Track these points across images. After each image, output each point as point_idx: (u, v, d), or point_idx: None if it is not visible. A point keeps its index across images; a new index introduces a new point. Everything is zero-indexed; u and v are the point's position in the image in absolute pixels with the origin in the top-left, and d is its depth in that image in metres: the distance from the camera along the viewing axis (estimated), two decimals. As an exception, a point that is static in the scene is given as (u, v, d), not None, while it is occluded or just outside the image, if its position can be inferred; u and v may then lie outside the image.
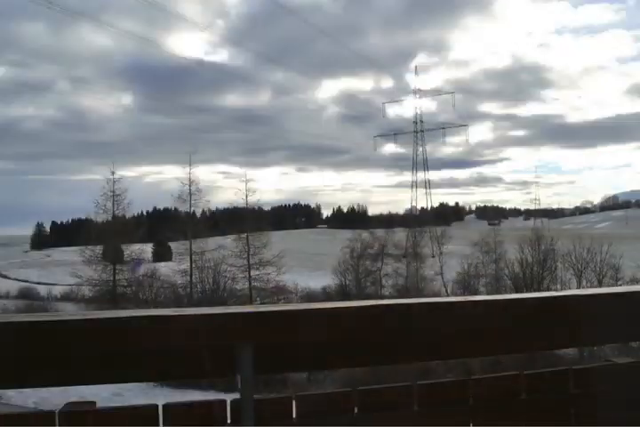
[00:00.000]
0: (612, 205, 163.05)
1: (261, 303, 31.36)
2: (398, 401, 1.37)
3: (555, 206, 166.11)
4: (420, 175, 79.96)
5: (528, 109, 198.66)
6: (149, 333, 1.21)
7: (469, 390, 1.43)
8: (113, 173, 36.90)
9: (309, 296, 37.14)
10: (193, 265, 37.24)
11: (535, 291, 31.62)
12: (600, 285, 31.74)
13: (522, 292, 31.72)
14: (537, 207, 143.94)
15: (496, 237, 44.49)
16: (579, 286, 32.39)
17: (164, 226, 44.89)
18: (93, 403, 1.23)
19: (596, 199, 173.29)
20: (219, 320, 1.26)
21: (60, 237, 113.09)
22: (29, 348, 1.15)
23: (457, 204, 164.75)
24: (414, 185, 78.64)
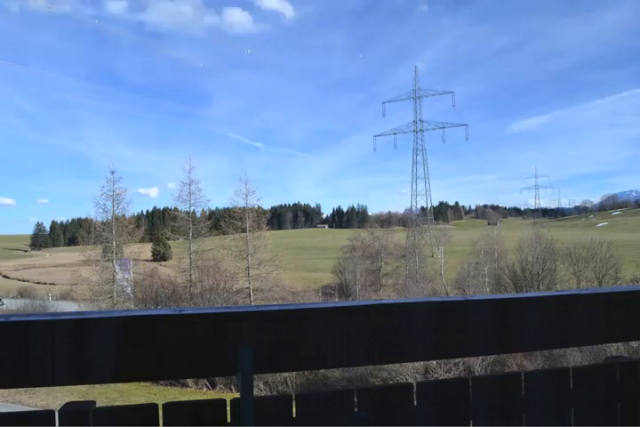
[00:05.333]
0: (611, 204, 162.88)
1: (261, 302, 31.35)
2: (398, 400, 1.37)
3: (554, 206, 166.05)
4: (420, 174, 79.93)
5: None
6: (149, 332, 1.21)
7: (469, 390, 1.43)
8: (113, 172, 36.89)
9: (309, 295, 37.13)
10: (193, 264, 37.23)
11: (535, 290, 31.63)
12: (600, 284, 31.75)
13: (522, 291, 31.72)
14: (537, 207, 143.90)
15: (496, 236, 44.53)
16: (578, 286, 32.40)
17: (164, 226, 44.88)
18: (93, 402, 1.22)
19: (596, 199, 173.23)
20: (219, 320, 1.26)
21: (59, 237, 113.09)
22: (30, 348, 1.15)
23: (457, 203, 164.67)
24: (414, 184, 78.56)
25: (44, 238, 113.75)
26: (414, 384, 1.41)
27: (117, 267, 36.19)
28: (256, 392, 1.21)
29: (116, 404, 1.25)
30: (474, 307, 1.46)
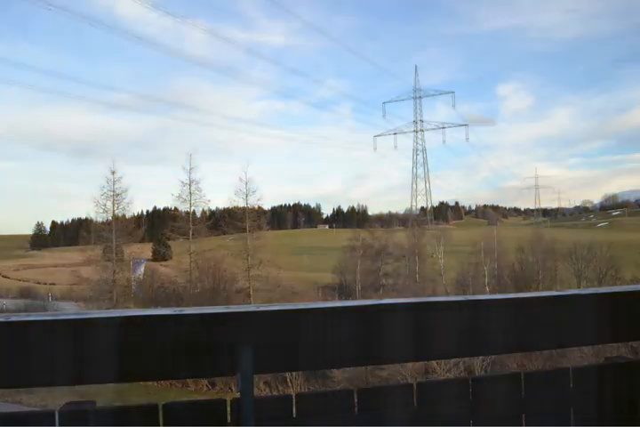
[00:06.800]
0: (611, 204, 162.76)
1: (261, 302, 31.23)
2: (398, 401, 1.37)
3: (554, 206, 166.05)
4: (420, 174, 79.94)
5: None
6: (149, 332, 1.21)
7: (469, 390, 1.43)
8: (113, 172, 36.89)
9: (309, 295, 37.12)
10: (193, 265, 37.23)
11: (535, 290, 31.62)
12: (600, 284, 31.72)
13: (521, 291, 31.69)
14: (537, 207, 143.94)
15: (496, 236, 44.53)
16: (578, 286, 32.38)
17: (164, 226, 44.87)
18: (93, 402, 1.22)
19: (596, 199, 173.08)
20: (219, 320, 1.26)
21: (60, 237, 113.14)
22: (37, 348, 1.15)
23: (457, 203, 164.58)
24: (414, 184, 78.58)
25: (43, 238, 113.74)
26: (414, 384, 1.41)
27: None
28: (256, 392, 1.21)
29: (115, 404, 1.25)
30: (486, 307, 1.46)
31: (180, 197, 39.30)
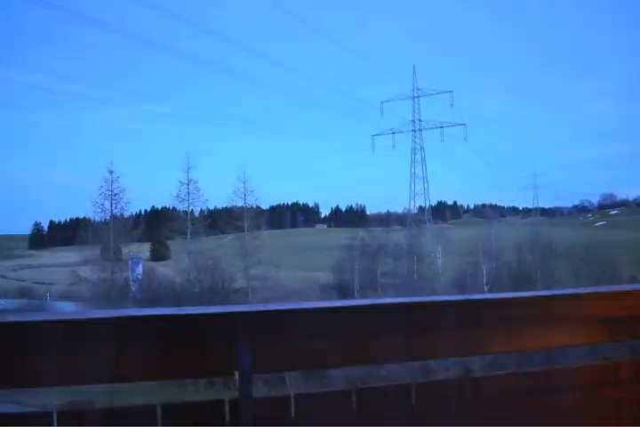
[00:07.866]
0: (609, 203, 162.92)
1: (259, 302, 31.29)
2: (397, 400, 1.37)
3: (552, 205, 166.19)
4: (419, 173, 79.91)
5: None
6: (148, 332, 1.21)
7: (468, 389, 1.43)
8: (111, 171, 36.87)
9: (307, 294, 37.09)
10: (191, 264, 37.23)
11: (533, 289, 31.66)
12: (598, 283, 31.78)
13: (520, 290, 31.73)
14: (535, 206, 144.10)
15: (494, 235, 44.61)
16: (576, 285, 32.43)
17: (163, 225, 44.84)
18: (91, 402, 1.22)
19: (594, 198, 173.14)
20: (217, 319, 1.26)
21: (57, 237, 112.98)
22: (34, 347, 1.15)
23: (455, 202, 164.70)
24: (412, 183, 78.57)
25: (41, 238, 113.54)
26: (413, 384, 1.41)
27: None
28: (255, 392, 1.21)
29: (114, 404, 1.25)
30: (483, 306, 1.46)
31: (178, 196, 39.31)
